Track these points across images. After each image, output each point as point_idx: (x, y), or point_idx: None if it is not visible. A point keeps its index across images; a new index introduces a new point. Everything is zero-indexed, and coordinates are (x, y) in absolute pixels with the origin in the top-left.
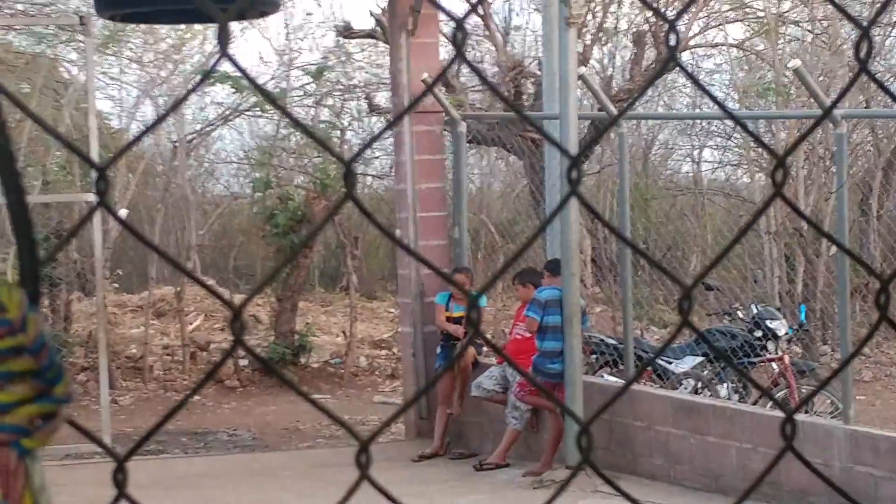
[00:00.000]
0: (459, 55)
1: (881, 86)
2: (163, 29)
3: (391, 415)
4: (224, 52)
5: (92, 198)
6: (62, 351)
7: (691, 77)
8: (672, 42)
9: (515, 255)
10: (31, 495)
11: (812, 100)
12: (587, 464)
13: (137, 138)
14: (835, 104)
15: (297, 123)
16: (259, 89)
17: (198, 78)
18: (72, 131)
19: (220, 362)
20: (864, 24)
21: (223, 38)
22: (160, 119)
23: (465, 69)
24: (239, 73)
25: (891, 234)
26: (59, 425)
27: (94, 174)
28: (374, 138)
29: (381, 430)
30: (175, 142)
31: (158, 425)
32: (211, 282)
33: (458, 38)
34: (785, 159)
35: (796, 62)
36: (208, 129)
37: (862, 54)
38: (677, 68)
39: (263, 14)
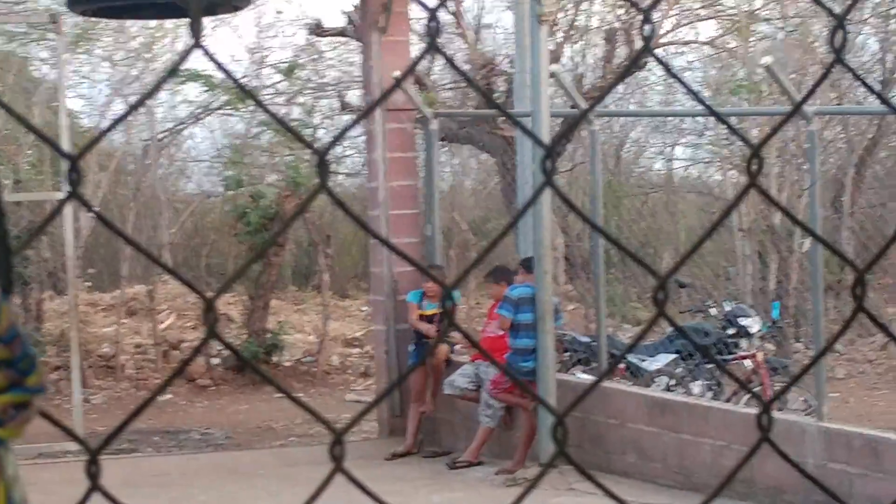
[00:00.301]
0: (432, 46)
1: (857, 76)
2: (134, 27)
3: (364, 407)
4: (197, 43)
5: (62, 195)
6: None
7: (666, 68)
8: (647, 32)
9: (487, 249)
10: (3, 485)
11: (784, 97)
12: (563, 455)
13: (109, 128)
14: (806, 98)
15: (270, 114)
16: (233, 80)
17: (169, 68)
18: (43, 130)
19: (194, 352)
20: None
21: (196, 29)
22: (132, 108)
23: (437, 67)
24: (210, 72)
25: (863, 230)
26: (33, 415)
27: (65, 166)
28: (347, 128)
29: (354, 422)
30: (146, 140)
31: (130, 418)
32: None
33: (433, 27)
34: (760, 150)
35: (768, 59)
36: (179, 127)
37: (836, 44)
38: (650, 64)
39: (236, 8)
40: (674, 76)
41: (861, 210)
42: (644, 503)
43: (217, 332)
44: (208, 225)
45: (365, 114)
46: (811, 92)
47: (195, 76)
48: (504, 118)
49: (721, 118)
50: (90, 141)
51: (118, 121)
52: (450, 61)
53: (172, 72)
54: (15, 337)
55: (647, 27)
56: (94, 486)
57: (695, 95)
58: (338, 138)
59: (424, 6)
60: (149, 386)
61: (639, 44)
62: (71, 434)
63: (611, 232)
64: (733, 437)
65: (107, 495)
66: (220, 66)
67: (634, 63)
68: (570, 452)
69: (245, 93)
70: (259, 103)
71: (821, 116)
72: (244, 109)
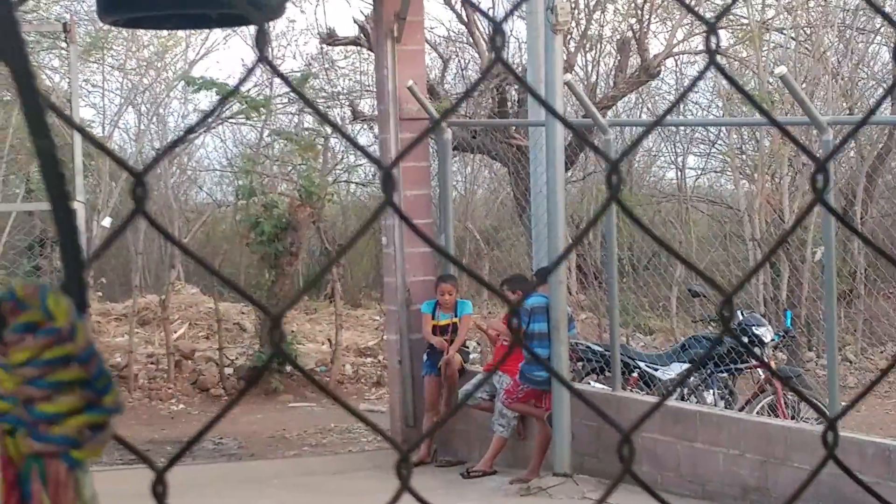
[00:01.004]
0: (498, 59)
1: None
2: (145, 36)
3: (431, 427)
4: (262, 56)
5: (75, 205)
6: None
7: (730, 79)
8: (713, 45)
9: (561, 257)
10: None
11: (796, 107)
12: (630, 474)
13: (179, 140)
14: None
15: (330, 123)
16: (296, 92)
17: (238, 82)
18: (54, 139)
19: (262, 369)
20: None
21: (261, 40)
22: (200, 121)
23: (449, 76)
24: (224, 80)
25: (875, 239)
26: (109, 436)
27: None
28: (413, 143)
29: (422, 439)
30: (158, 150)
31: (198, 436)
32: (195, 290)
33: (498, 42)
34: (826, 164)
35: (782, 69)
36: (192, 136)
37: None
38: (662, 73)
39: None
40: (737, 87)
41: (873, 219)
42: None
43: (283, 349)
44: (220, 234)
45: (431, 128)
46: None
47: (210, 84)
48: (516, 128)
49: (781, 127)
50: (155, 157)
51: (193, 127)
52: (513, 74)
53: (242, 81)
54: (92, 356)
55: (712, 39)
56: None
57: (753, 103)
58: (404, 153)
59: (489, 18)
60: (161, 396)
61: (653, 51)
62: (137, 452)
63: (623, 241)
64: (747, 446)
65: None
66: (283, 79)
67: (699, 79)
68: (585, 462)
69: (306, 101)
70: (328, 120)
71: (834, 126)
72: (256, 119)
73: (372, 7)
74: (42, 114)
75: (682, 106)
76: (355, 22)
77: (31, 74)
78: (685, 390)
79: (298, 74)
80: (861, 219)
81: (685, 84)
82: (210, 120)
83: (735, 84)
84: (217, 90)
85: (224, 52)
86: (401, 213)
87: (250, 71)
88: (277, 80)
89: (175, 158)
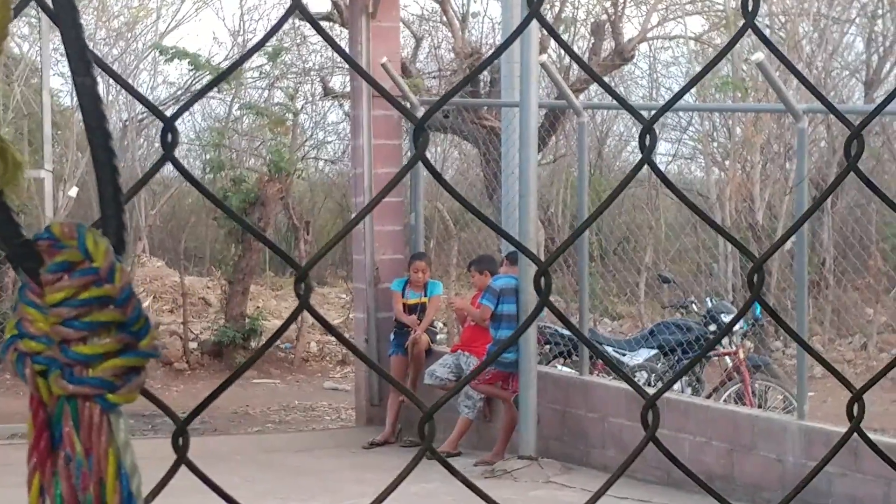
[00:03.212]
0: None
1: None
2: (116, 6)
3: (446, 395)
4: (297, 3)
5: (42, 174)
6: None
7: (768, 43)
8: (751, 7)
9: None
10: (114, 452)
11: (769, 94)
12: (653, 440)
13: (207, 89)
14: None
15: (351, 63)
16: (328, 40)
17: (267, 32)
18: (21, 107)
19: (285, 325)
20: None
21: None
22: (222, 76)
23: (422, 55)
24: (197, 51)
25: (845, 227)
26: (144, 380)
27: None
28: (447, 97)
29: (447, 399)
30: (125, 121)
31: (210, 397)
32: (160, 263)
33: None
34: (860, 131)
35: (759, 55)
36: (159, 107)
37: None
38: (636, 57)
39: None
40: (776, 52)
41: (843, 209)
42: (623, 498)
43: (310, 305)
44: (186, 208)
45: (468, 79)
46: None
47: (182, 54)
48: (488, 108)
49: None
50: (186, 102)
51: (219, 79)
52: (563, 44)
53: (277, 27)
54: (129, 298)
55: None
56: (182, 458)
57: (796, 72)
58: (437, 106)
59: None
60: None
61: (627, 35)
62: (160, 405)
63: (592, 226)
64: (713, 434)
65: (193, 469)
66: (316, 28)
67: (736, 42)
68: (551, 445)
69: (340, 52)
70: (348, 60)
71: (808, 114)
72: (226, 92)
73: None
74: (85, 51)
75: (654, 91)
76: None
77: (74, 8)
78: (652, 376)
79: (270, 49)
80: (832, 208)
81: (658, 69)
82: (180, 93)
83: (772, 47)
84: (189, 61)
85: (195, 25)
86: (433, 169)
87: (284, 19)
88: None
89: (143, 130)
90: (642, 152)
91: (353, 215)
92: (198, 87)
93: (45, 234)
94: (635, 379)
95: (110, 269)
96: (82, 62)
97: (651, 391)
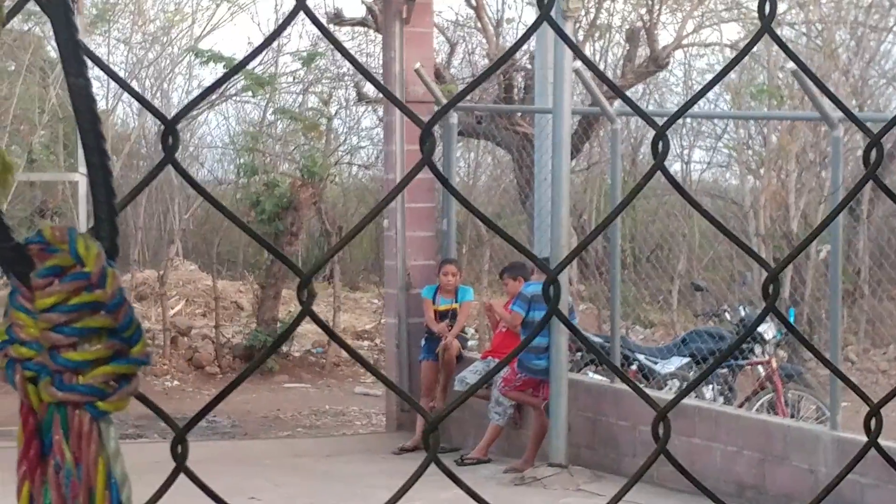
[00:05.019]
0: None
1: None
2: (151, 10)
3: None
4: (301, 4)
5: (77, 177)
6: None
7: (785, 48)
8: (767, 10)
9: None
10: (104, 460)
11: (805, 102)
12: (664, 453)
13: (212, 87)
14: None
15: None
16: (335, 43)
17: (281, 24)
18: (57, 111)
19: (290, 328)
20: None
21: None
22: (240, 65)
23: (456, 61)
24: (233, 55)
25: (881, 237)
26: (136, 387)
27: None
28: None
29: (450, 411)
30: (160, 127)
31: (215, 401)
32: (193, 267)
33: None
34: (881, 138)
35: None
36: (194, 112)
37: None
38: (670, 64)
39: None
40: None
41: (878, 219)
42: None
43: (312, 311)
44: (220, 212)
45: (486, 74)
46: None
47: (217, 58)
48: (521, 114)
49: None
50: (186, 105)
51: (236, 68)
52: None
53: (283, 25)
54: (121, 304)
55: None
56: (180, 466)
57: (801, 65)
58: (442, 112)
59: None
60: (156, 372)
61: (662, 42)
62: (158, 412)
63: (626, 233)
64: (744, 443)
65: (191, 477)
66: (323, 30)
67: (753, 44)
68: (581, 454)
69: (345, 54)
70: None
71: (844, 122)
72: (261, 96)
73: None
74: (78, 51)
75: (688, 98)
76: (363, 3)
77: (67, 7)
78: (684, 384)
79: (304, 54)
80: (868, 217)
81: (693, 77)
82: (213, 97)
83: (788, 51)
84: (224, 64)
85: (230, 29)
86: (438, 173)
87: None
88: (283, 59)
89: (178, 134)
90: (654, 158)
91: (385, 221)
92: (232, 90)
93: (36, 238)
94: (667, 387)
95: (101, 274)
96: (75, 62)
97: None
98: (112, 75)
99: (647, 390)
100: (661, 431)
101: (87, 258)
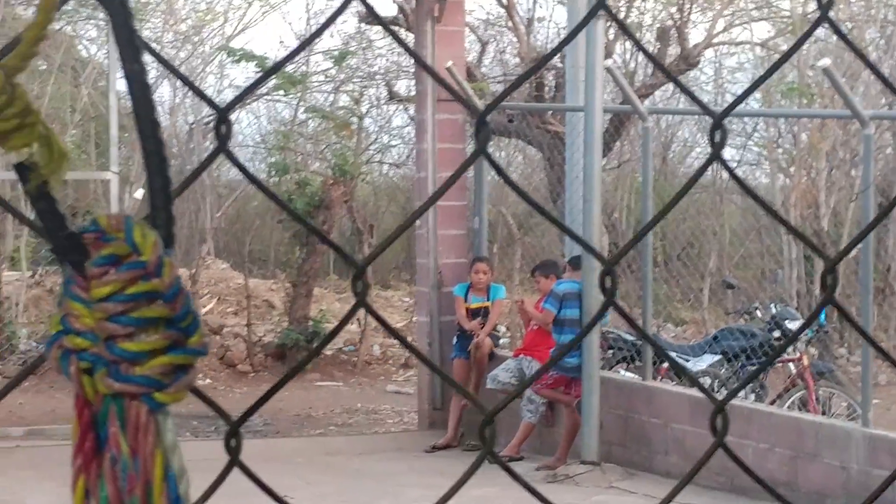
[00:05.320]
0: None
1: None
2: (183, 10)
3: (509, 395)
4: None
5: (109, 176)
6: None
7: (841, 35)
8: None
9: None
10: (162, 453)
11: (835, 100)
12: (722, 447)
13: (266, 74)
14: None
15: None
16: (386, 28)
17: (335, 13)
18: (89, 110)
19: (343, 322)
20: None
21: None
22: (294, 52)
23: (487, 59)
24: (266, 53)
25: None
26: (194, 379)
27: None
28: (515, 85)
29: (507, 402)
30: (191, 124)
31: (266, 396)
32: (225, 265)
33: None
34: None
35: (826, 61)
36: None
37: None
38: (701, 63)
39: None
40: (846, 41)
41: None
42: None
43: (367, 303)
44: (251, 210)
45: (540, 64)
46: None
47: (249, 56)
48: (553, 113)
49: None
50: (241, 93)
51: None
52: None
53: (336, 15)
54: (178, 293)
55: None
56: (234, 460)
57: (860, 55)
58: (499, 99)
59: None
60: None
61: (692, 41)
62: (212, 404)
63: (655, 231)
64: (777, 440)
65: (246, 471)
66: (371, 10)
67: (811, 32)
68: (613, 451)
69: (392, 35)
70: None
71: (875, 120)
72: (291, 95)
73: None
74: (133, 37)
75: (719, 97)
76: (395, 1)
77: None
78: (716, 382)
79: (336, 53)
80: None
81: (724, 75)
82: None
83: (846, 39)
84: (256, 63)
85: (261, 29)
86: (494, 162)
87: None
88: (313, 58)
89: (209, 133)
90: (712, 148)
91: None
92: (263, 89)
93: (92, 227)
94: None
95: (158, 262)
96: (131, 47)
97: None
98: (162, 61)
99: (678, 388)
100: (718, 424)
101: (143, 247)
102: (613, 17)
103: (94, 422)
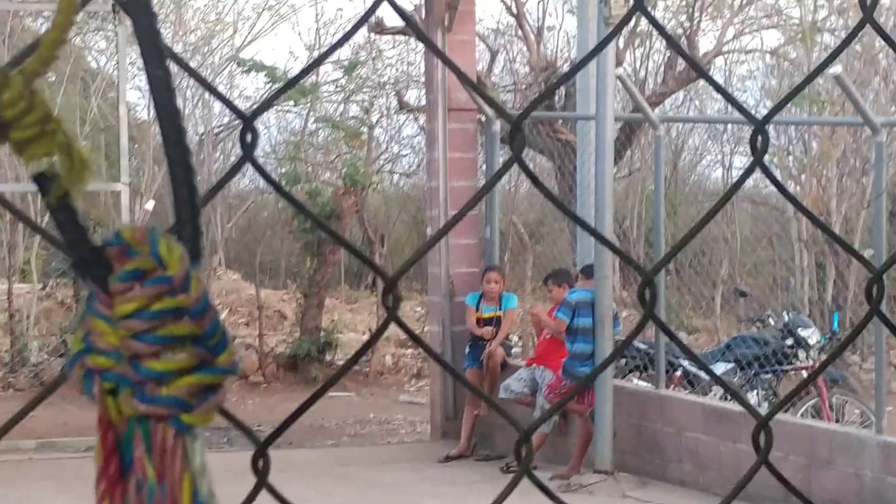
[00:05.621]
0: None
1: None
2: (192, 21)
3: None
4: None
5: (119, 187)
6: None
7: (887, 38)
8: (869, 1)
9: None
10: (189, 478)
11: (846, 107)
12: (766, 465)
13: (293, 81)
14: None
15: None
16: (407, 20)
17: (363, 16)
18: (98, 121)
19: (373, 339)
20: None
21: None
22: (320, 59)
23: (497, 69)
24: (275, 64)
25: None
26: (223, 399)
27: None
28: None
29: (541, 421)
30: (202, 134)
31: (296, 414)
32: (236, 276)
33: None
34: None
35: (837, 68)
36: (236, 122)
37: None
38: (711, 70)
39: None
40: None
41: None
42: None
43: (398, 318)
44: (262, 221)
45: (571, 73)
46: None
47: (259, 67)
48: (564, 122)
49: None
50: (267, 99)
51: (302, 74)
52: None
53: (367, 15)
54: (206, 310)
55: None
56: (262, 481)
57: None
58: (535, 104)
59: None
60: None
61: (702, 49)
62: (241, 426)
63: (667, 240)
64: (790, 448)
65: (273, 493)
66: (404, 17)
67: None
68: (626, 459)
69: (422, 38)
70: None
71: (888, 128)
72: (302, 105)
73: None
74: (158, 41)
75: (729, 105)
76: (404, 11)
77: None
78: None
79: (346, 63)
80: None
81: (734, 83)
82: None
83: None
84: (266, 73)
85: (271, 39)
86: (527, 169)
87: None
88: (324, 68)
89: (219, 144)
90: (753, 154)
91: (429, 229)
92: (274, 101)
93: (115, 240)
94: (711, 393)
95: (185, 277)
96: (155, 52)
97: (727, 405)
98: (184, 66)
99: (691, 397)
100: (761, 441)
101: (169, 261)
102: (650, 17)
103: (118, 444)
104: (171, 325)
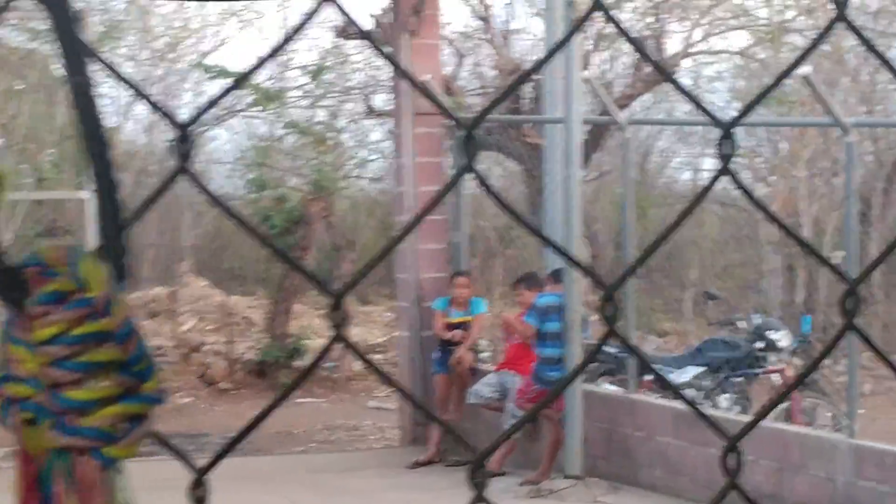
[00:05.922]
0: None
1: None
2: (159, 27)
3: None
4: None
5: (84, 195)
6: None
7: (861, 37)
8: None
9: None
10: None
11: (815, 108)
12: (735, 487)
13: (230, 89)
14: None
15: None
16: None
17: (303, 18)
18: (65, 129)
19: (319, 357)
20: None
21: None
22: (273, 52)
23: (464, 72)
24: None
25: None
26: (149, 429)
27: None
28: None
29: (494, 447)
30: (169, 141)
31: (245, 432)
32: (204, 283)
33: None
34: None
35: (808, 69)
36: (203, 129)
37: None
38: (680, 71)
39: None
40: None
41: (891, 222)
42: None
43: (344, 336)
44: (230, 227)
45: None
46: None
47: (225, 73)
48: (532, 125)
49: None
50: (204, 106)
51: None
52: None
53: (308, 19)
54: (130, 334)
55: None
56: None
57: (881, 58)
58: (489, 109)
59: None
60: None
61: (670, 51)
62: (177, 452)
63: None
64: (761, 452)
65: None
66: (350, 19)
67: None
68: (597, 464)
69: (376, 48)
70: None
71: (858, 128)
72: (269, 111)
73: (389, 1)
74: (77, 45)
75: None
76: (370, 16)
77: (67, 4)
78: (700, 394)
79: (313, 68)
80: (878, 224)
81: (702, 84)
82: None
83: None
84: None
85: (238, 45)
86: (483, 179)
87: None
88: (291, 74)
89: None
90: (721, 160)
91: (397, 234)
92: (240, 105)
93: (33, 260)
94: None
95: (107, 299)
96: (75, 57)
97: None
98: (108, 66)
99: (661, 401)
100: (731, 463)
101: (91, 282)
102: (611, 17)
103: (38, 479)
104: (93, 350)
